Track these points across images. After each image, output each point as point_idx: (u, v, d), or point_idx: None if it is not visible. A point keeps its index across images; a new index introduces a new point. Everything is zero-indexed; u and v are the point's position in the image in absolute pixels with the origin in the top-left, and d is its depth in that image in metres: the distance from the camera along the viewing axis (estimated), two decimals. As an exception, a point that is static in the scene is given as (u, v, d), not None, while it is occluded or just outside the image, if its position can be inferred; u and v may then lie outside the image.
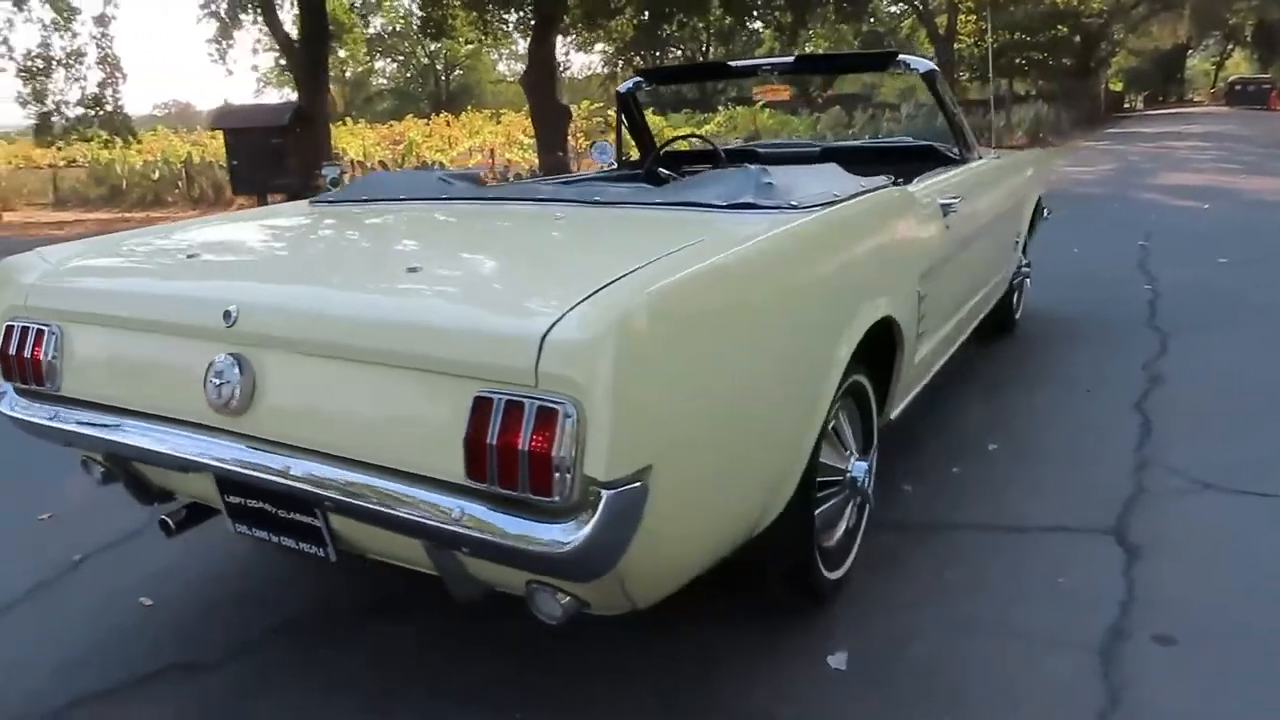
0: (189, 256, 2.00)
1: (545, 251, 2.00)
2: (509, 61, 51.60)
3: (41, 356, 1.89)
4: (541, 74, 15.46)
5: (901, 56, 3.28)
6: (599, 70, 52.36)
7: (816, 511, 2.03)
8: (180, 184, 16.84)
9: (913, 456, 2.98)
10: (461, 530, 1.35)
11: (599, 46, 33.29)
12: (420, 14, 17.09)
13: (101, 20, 14.67)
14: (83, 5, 13.35)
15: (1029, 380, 3.79)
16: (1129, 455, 2.95)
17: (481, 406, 1.31)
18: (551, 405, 1.26)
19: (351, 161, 15.54)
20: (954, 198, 2.69)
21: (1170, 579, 2.21)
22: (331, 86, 46.43)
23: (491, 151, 19.41)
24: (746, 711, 1.81)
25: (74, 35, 14.34)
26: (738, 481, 1.59)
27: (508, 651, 2.00)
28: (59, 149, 18.68)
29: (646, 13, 15.49)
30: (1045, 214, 4.67)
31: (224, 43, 14.87)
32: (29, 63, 14.14)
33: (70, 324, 1.88)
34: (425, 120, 30.79)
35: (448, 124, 28.11)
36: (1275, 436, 3.06)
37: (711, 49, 38.00)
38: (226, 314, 1.61)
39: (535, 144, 15.90)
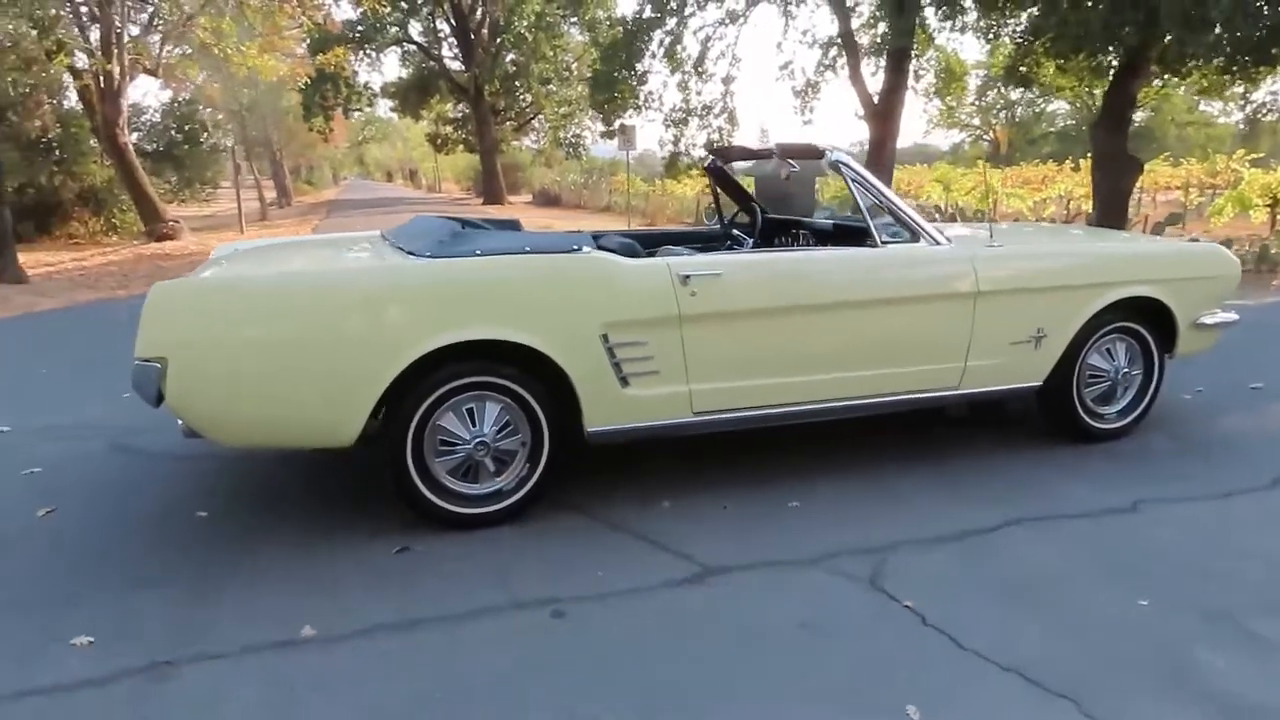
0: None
1: (269, 264, 3.40)
2: (1210, 104, 45.39)
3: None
4: (1115, 122, 14.51)
5: (821, 146, 3.54)
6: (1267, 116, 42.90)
7: (438, 460, 3.06)
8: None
9: (722, 487, 3.46)
10: None
11: (1270, 83, 27.61)
12: (1005, 65, 17.25)
13: (727, 79, 18.46)
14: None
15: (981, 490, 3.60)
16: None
17: None
18: None
19: (930, 203, 16.44)
20: (707, 272, 3.16)
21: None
22: (998, 128, 47.01)
23: (1067, 201, 18.62)
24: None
25: (698, 94, 18.40)
26: (272, 399, 2.86)
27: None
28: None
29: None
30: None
31: (808, 98, 17.29)
32: (672, 114, 18.65)
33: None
34: (1060, 163, 29.52)
35: (1075, 169, 26.76)
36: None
37: None
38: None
39: (1091, 194, 14.95)
